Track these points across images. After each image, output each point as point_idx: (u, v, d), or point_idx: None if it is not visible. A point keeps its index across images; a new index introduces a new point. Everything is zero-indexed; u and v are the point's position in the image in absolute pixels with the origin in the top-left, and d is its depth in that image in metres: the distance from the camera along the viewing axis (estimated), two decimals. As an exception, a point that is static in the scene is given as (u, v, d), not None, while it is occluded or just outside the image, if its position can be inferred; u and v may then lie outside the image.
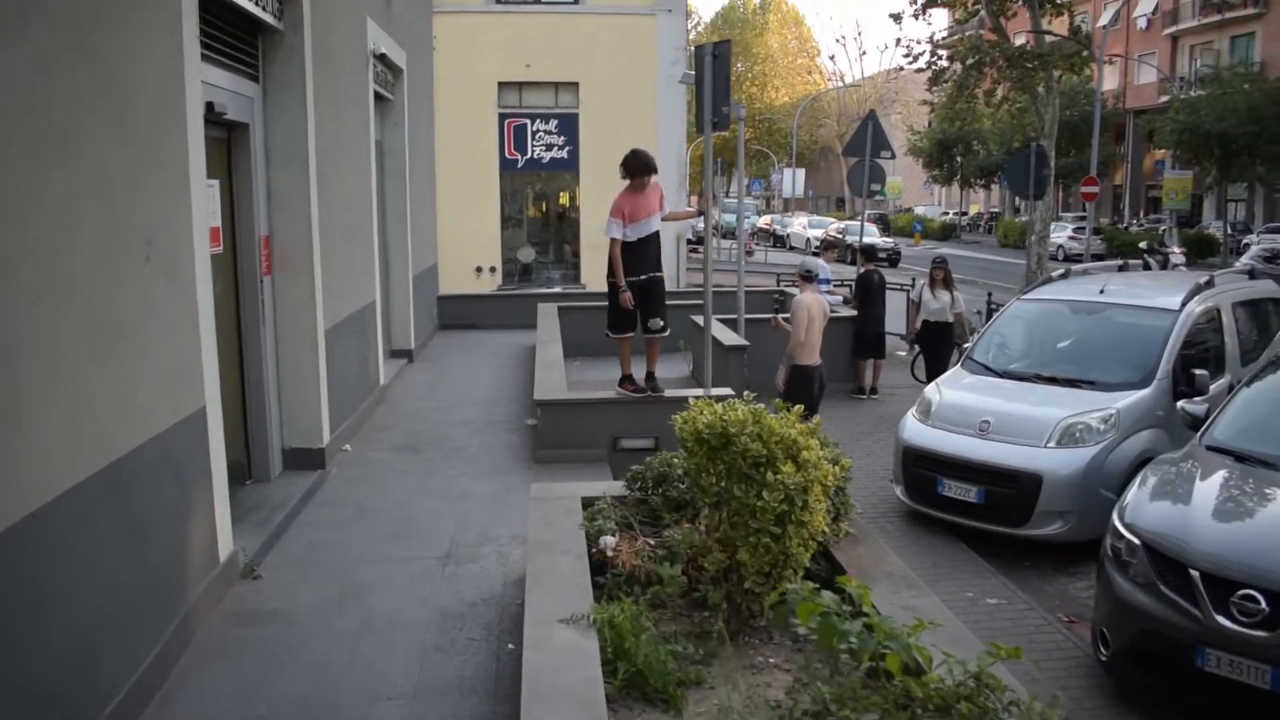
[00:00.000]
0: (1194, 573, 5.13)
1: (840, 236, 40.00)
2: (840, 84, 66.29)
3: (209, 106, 6.18)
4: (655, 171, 8.31)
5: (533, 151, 22.09)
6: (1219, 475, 5.91)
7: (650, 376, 8.44)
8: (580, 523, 4.97)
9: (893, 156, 16.82)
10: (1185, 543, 5.29)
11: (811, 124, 66.07)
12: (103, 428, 4.12)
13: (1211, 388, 8.02)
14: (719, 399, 8.69)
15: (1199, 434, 6.52)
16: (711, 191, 9.07)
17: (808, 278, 9.88)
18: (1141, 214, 53.29)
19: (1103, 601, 5.75)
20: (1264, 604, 4.86)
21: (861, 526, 4.89)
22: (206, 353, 5.28)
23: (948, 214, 64.34)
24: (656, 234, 8.30)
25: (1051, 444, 7.76)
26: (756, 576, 4.08)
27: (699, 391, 8.95)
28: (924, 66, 24.66)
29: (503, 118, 21.84)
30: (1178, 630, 5.14)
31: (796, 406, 4.38)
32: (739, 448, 4.01)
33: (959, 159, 55.93)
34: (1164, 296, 8.82)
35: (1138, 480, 6.16)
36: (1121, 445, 7.74)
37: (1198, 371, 8.13)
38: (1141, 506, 5.81)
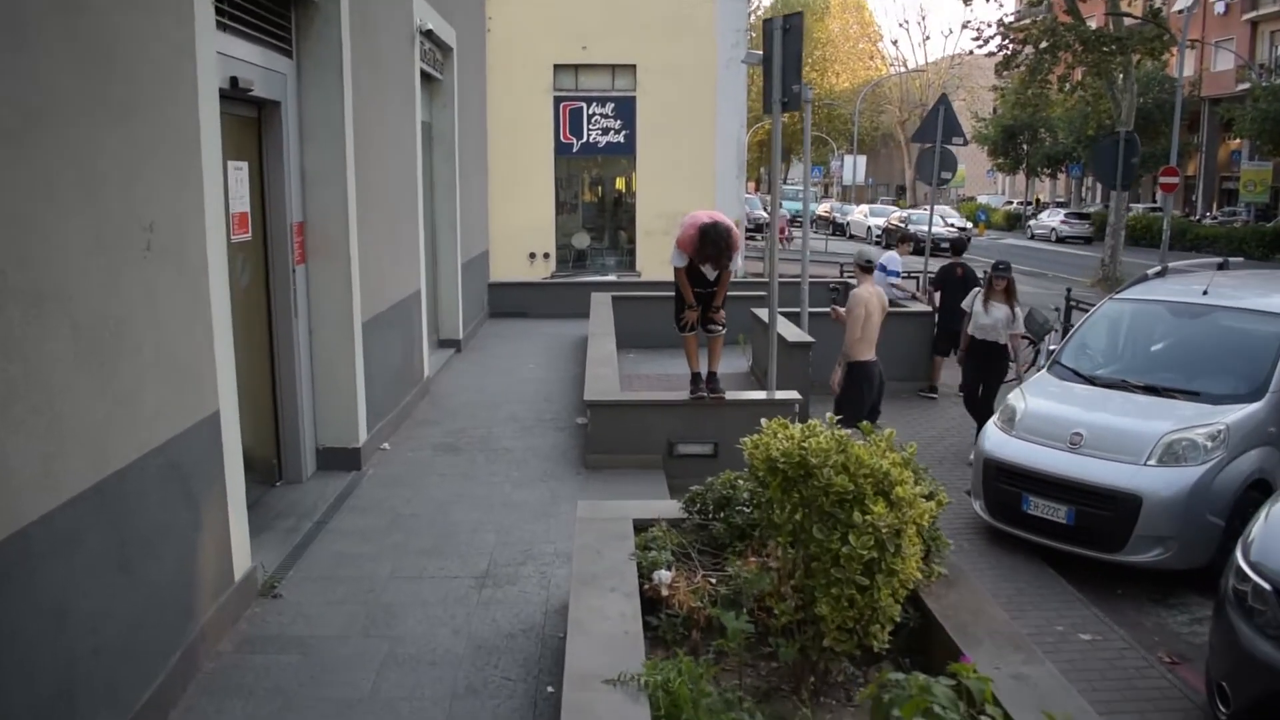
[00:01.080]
0: (1341, 629, 4.43)
1: (903, 225, 39.10)
2: (903, 69, 64.82)
3: (233, 82, 5.68)
4: (733, 255, 7.63)
5: (588, 135, 21.50)
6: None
7: (712, 376, 7.84)
8: (631, 551, 4.38)
9: (965, 142, 16.01)
10: (1328, 590, 4.59)
11: (873, 110, 64.71)
12: (92, 439, 3.61)
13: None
14: (786, 406, 8.20)
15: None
16: (779, 177, 8.38)
17: (866, 268, 9.18)
18: (1215, 206, 51.45)
19: (1223, 651, 5.05)
20: None
21: (955, 566, 4.24)
22: (221, 351, 4.77)
23: (1011, 203, 62.68)
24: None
25: (1152, 462, 7.02)
26: (837, 633, 3.47)
27: (761, 394, 8.33)
28: (994, 51, 23.63)
29: (558, 101, 21.26)
30: (1320, 692, 4.44)
31: (888, 431, 3.75)
32: (821, 482, 3.39)
33: (1025, 147, 54.35)
34: (1275, 300, 8.01)
35: (1263, 511, 5.43)
36: (1230, 465, 6.98)
37: (1315, 383, 7.35)
38: (1271, 543, 5.09)
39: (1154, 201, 45.45)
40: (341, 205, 7.19)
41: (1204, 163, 49.48)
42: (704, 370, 7.87)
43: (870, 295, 8.65)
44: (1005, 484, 7.59)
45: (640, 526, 4.79)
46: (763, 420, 3.84)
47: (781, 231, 9.81)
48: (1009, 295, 9.81)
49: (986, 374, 9.97)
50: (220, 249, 4.80)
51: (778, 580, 3.70)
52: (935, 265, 15.15)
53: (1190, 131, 48.36)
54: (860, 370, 8.67)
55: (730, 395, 7.90)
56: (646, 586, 4.15)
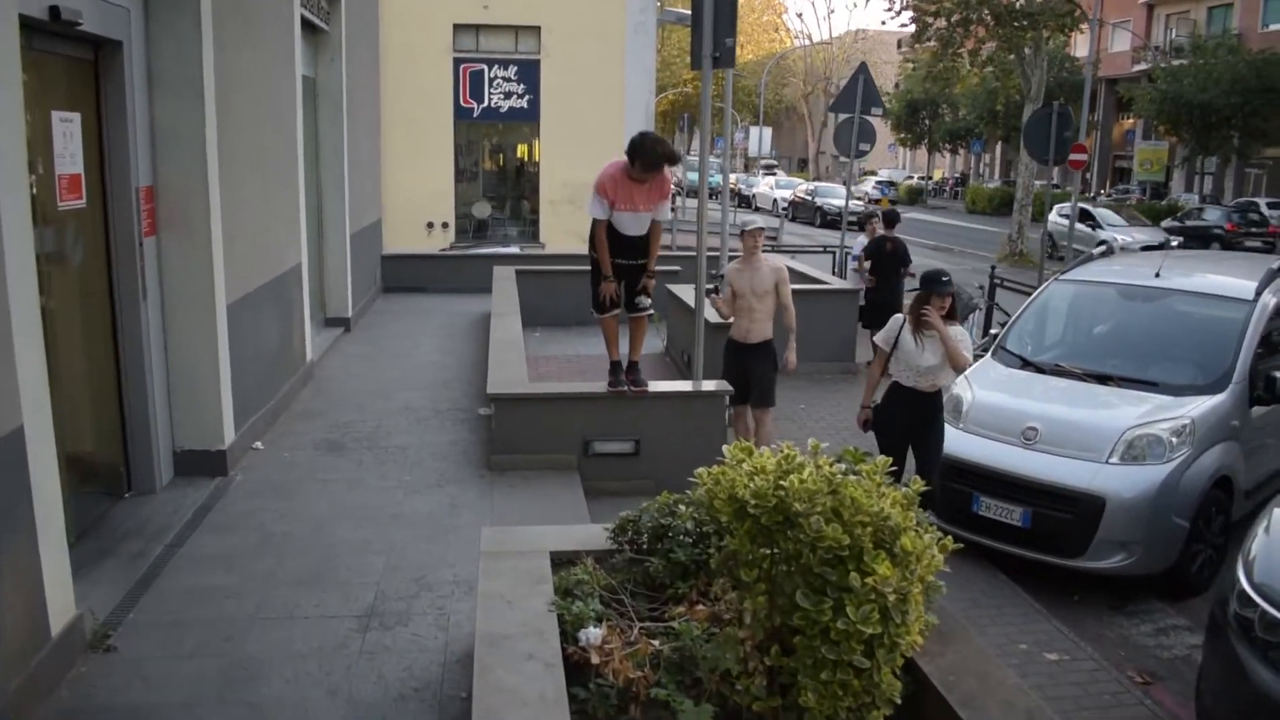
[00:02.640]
0: (1372, 671, 3.82)
1: (810, 199, 38.79)
2: (807, 43, 64.62)
3: (53, 12, 4.59)
4: (675, 163, 6.75)
5: (490, 100, 20.38)
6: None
7: (633, 366, 6.97)
8: (550, 600, 3.51)
9: (884, 113, 15.40)
10: (1354, 623, 3.98)
11: (776, 83, 64.44)
12: None
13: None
14: (715, 399, 7.39)
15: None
16: (709, 140, 7.53)
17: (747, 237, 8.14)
18: (1108, 184, 52.52)
19: (1225, 687, 4.43)
20: None
21: (945, 611, 3.47)
22: (24, 351, 3.73)
23: (912, 178, 63.14)
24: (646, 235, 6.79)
25: (1115, 460, 6.43)
26: (826, 726, 2.67)
27: (687, 385, 7.50)
28: (908, 21, 23.18)
29: (458, 62, 20.07)
30: (1348, 743, 3.84)
31: (881, 458, 2.95)
32: (807, 534, 2.58)
33: (927, 122, 54.67)
34: (1233, 283, 7.50)
35: (1262, 522, 4.82)
36: (1196, 463, 6.44)
37: (1279, 374, 6.85)
38: (1279, 564, 4.48)
39: (1051, 179, 46.14)
40: (200, 168, 6.10)
41: (1099, 141, 50.33)
42: (624, 358, 7.01)
43: (733, 272, 7.77)
44: (954, 483, 6.92)
45: (560, 560, 3.93)
46: (724, 450, 3.00)
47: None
48: (952, 318, 6.44)
49: (922, 434, 6.48)
50: (20, 218, 3.75)
51: (744, 653, 2.87)
52: (853, 242, 14.58)
53: (1088, 111, 49.19)
54: (725, 346, 7.92)
55: (653, 387, 7.05)
56: (571, 649, 3.29)
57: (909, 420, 6.47)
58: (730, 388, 7.22)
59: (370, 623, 4.56)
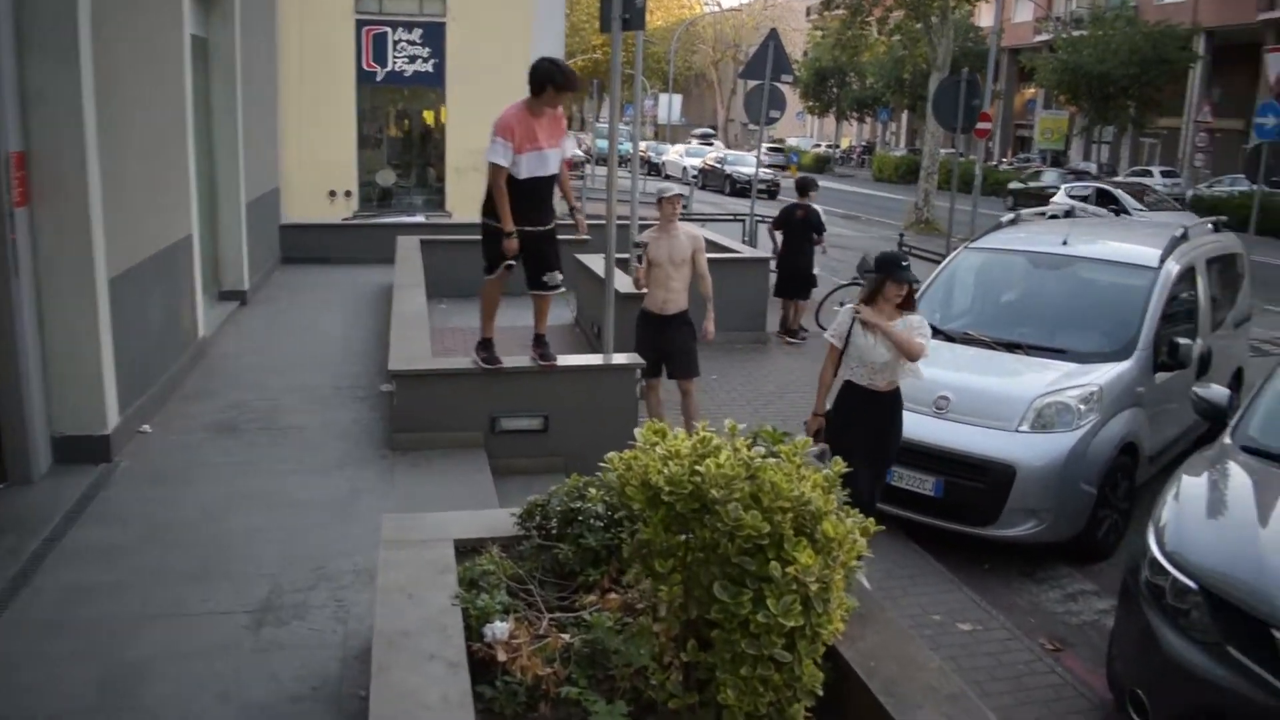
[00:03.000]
0: (1280, 634, 3.84)
1: (720, 166, 38.76)
2: (716, 9, 64.47)
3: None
4: (574, 90, 6.36)
5: (394, 64, 19.77)
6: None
7: (540, 340, 6.75)
8: (454, 594, 3.32)
9: (794, 80, 15.34)
10: (1263, 591, 4.00)
11: (685, 50, 64.24)
12: None
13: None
14: (626, 373, 7.21)
15: (1229, 431, 5.25)
16: (618, 104, 7.31)
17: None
18: (1011, 153, 53.65)
19: (1137, 655, 4.44)
20: (1377, 679, 3.61)
21: (863, 590, 3.36)
22: None
23: (819, 145, 63.64)
24: (553, 178, 6.41)
25: (1025, 428, 6.46)
26: (746, 722, 2.54)
27: (597, 358, 7.31)
28: (817, -12, 23.17)
29: (360, 24, 19.41)
30: (1257, 710, 3.86)
31: (801, 439, 2.81)
32: (725, 522, 2.43)
33: (835, 90, 55.08)
34: (1139, 251, 7.58)
35: (1170, 490, 4.85)
36: (1103, 429, 6.50)
37: (1181, 340, 6.96)
38: (1188, 532, 4.50)
39: (952, 147, 47.02)
40: (76, 133, 5.69)
41: (1003, 110, 51.31)
42: (515, 338, 6.77)
43: (649, 241, 7.64)
44: (866, 453, 6.88)
45: (465, 548, 3.73)
46: (636, 433, 2.82)
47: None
48: (909, 308, 5.58)
49: (877, 442, 5.69)
50: None
51: (659, 648, 2.72)
52: (761, 209, 14.54)
53: (992, 80, 50.09)
54: (638, 318, 7.72)
55: (562, 360, 6.85)
56: (476, 645, 3.11)
57: (867, 425, 5.65)
58: (642, 360, 7.04)
59: (264, 618, 4.30)
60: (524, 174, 6.18)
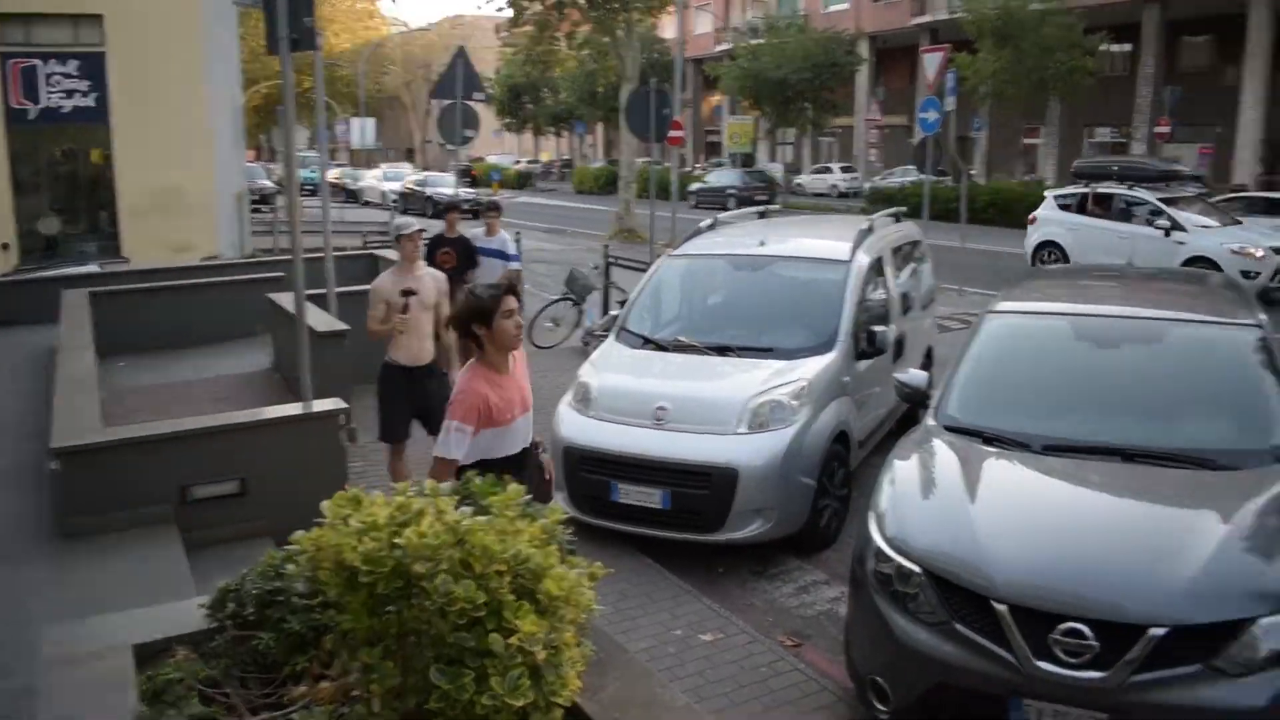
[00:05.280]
0: (1000, 608, 3.99)
1: (421, 189, 38.01)
2: (405, 29, 63.43)
3: None
4: None
5: (49, 99, 17.85)
6: (989, 469, 4.86)
7: None
8: (134, 716, 2.82)
9: (486, 99, 15.14)
10: (979, 566, 4.15)
11: (375, 72, 62.81)
12: None
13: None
14: (328, 420, 6.65)
15: (932, 411, 5.50)
16: (293, 130, 6.79)
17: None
18: (704, 158, 56.16)
19: (872, 643, 4.52)
20: (1092, 638, 3.82)
21: (602, 635, 3.16)
22: None
23: (519, 162, 64.03)
24: None
25: (742, 429, 6.53)
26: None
27: (296, 408, 6.68)
28: (505, 4, 23.15)
29: (4, 57, 17.41)
30: (987, 681, 4.00)
31: (514, 488, 2.56)
32: (435, 599, 2.13)
33: (530, 106, 55.59)
34: (830, 246, 7.90)
35: (884, 478, 4.99)
36: (816, 422, 6.68)
37: (878, 328, 7.31)
38: (906, 517, 4.63)
39: (649, 156, 48.73)
40: None
41: (693, 118, 53.59)
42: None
43: (384, 283, 6.94)
44: (590, 472, 6.75)
45: (148, 653, 3.21)
46: (324, 506, 2.47)
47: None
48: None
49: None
50: None
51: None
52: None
53: (680, 89, 52.26)
54: (384, 372, 6.94)
55: (255, 414, 6.24)
56: (163, 773, 2.64)
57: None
58: (344, 404, 6.52)
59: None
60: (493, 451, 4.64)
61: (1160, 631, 3.75)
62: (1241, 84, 33.63)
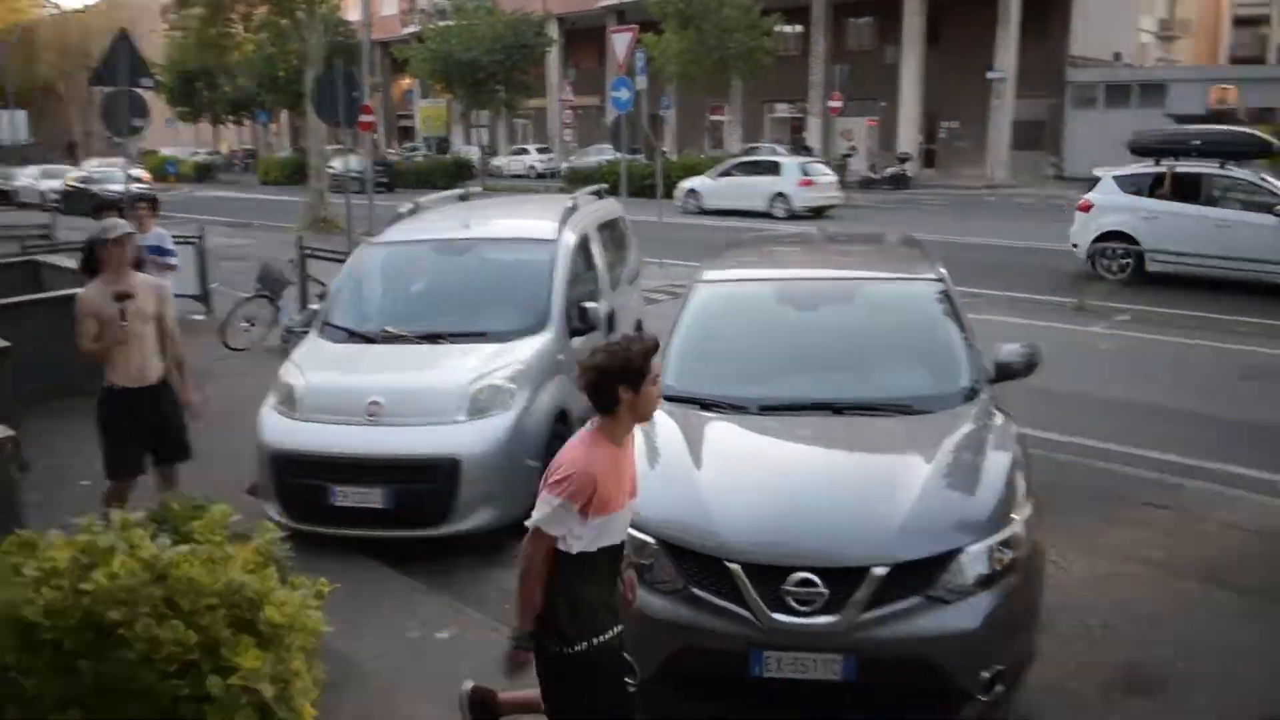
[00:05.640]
0: (734, 567, 4.12)
1: (86, 186, 34.68)
2: (56, 12, 57.61)
3: None
4: None
5: None
6: (710, 434, 5.00)
7: None
8: None
9: (154, 85, 14.00)
10: (709, 529, 4.27)
11: (25, 61, 56.73)
12: None
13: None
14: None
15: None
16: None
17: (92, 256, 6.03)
18: (397, 143, 54.92)
19: (611, 617, 4.54)
20: (821, 586, 4.02)
21: (334, 654, 2.97)
22: None
23: (198, 153, 59.97)
24: None
25: (462, 417, 6.40)
26: None
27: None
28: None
29: None
30: (727, 639, 4.13)
31: (218, 508, 2.31)
32: (137, 647, 1.88)
33: (206, 94, 52.17)
34: (536, 225, 7.87)
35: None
36: (536, 403, 6.65)
37: (588, 305, 7.36)
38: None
39: (339, 143, 47.06)
40: None
41: (383, 102, 52.20)
42: None
43: (91, 295, 5.92)
44: (303, 478, 6.40)
45: None
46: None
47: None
48: None
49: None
50: None
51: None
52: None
53: (368, 73, 50.70)
54: (103, 398, 6.04)
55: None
56: None
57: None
58: (10, 431, 5.61)
59: None
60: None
61: (882, 571, 4.01)
62: (900, 62, 37.07)
